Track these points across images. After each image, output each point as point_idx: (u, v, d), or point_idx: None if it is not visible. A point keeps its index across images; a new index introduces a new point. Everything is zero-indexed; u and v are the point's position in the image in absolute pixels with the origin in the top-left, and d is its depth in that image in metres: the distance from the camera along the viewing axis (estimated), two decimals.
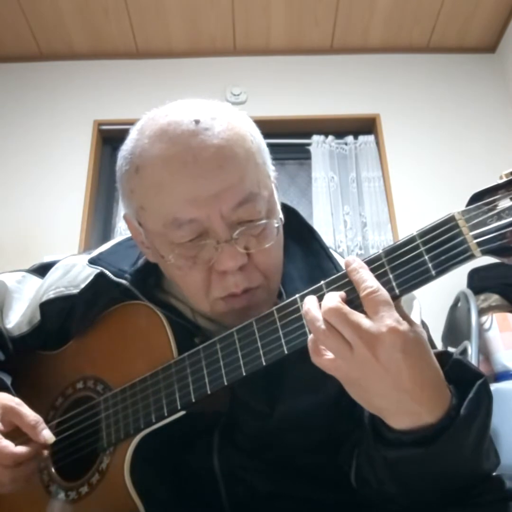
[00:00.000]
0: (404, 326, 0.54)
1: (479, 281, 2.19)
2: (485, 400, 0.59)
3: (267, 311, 0.65)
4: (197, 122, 0.66)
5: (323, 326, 0.56)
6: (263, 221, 0.69)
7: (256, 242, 0.69)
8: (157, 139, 0.67)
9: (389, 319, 0.54)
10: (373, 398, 0.57)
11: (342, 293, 0.59)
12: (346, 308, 0.56)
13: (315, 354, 0.58)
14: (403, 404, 0.55)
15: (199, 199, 0.65)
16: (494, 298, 2.10)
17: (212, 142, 0.65)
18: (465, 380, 0.60)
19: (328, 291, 0.61)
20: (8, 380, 0.84)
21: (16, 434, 0.73)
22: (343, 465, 0.75)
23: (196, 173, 0.65)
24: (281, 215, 0.74)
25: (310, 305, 0.58)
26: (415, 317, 0.78)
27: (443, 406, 0.56)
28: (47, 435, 0.73)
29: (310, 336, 0.58)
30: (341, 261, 0.81)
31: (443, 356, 0.62)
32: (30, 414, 0.73)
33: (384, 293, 0.56)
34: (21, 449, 0.70)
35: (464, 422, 0.56)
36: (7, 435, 0.72)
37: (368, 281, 0.56)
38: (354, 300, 0.58)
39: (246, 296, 0.70)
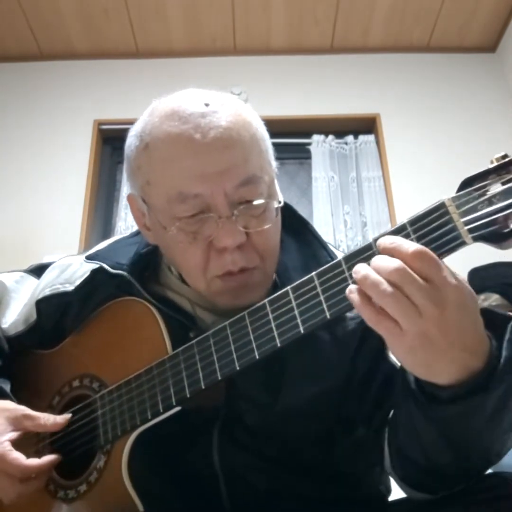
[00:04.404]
0: (461, 283, 0.53)
1: (479, 281, 2.18)
2: None
3: (260, 303, 0.66)
4: (207, 105, 0.70)
5: (390, 289, 0.51)
6: (263, 201, 0.71)
7: (256, 222, 0.71)
8: (167, 118, 0.70)
9: (450, 277, 0.51)
10: (433, 359, 0.53)
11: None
12: (409, 269, 0.51)
13: (378, 322, 0.52)
14: (460, 359, 0.53)
15: (205, 175, 0.68)
16: (494, 298, 2.09)
17: (220, 123, 0.69)
18: (496, 325, 0.59)
19: (320, 282, 0.60)
20: (7, 386, 0.84)
21: (22, 449, 0.72)
22: (369, 458, 0.76)
23: (203, 151, 0.68)
24: (281, 198, 0.76)
25: (367, 270, 0.53)
26: None
27: (484, 350, 0.55)
28: (62, 417, 0.76)
29: (364, 306, 0.53)
30: (336, 252, 0.82)
31: None
32: (42, 416, 0.75)
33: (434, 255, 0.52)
34: (32, 461, 0.71)
35: (509, 361, 0.55)
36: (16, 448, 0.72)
37: (412, 245, 0.52)
38: None
39: (242, 275, 0.71)
